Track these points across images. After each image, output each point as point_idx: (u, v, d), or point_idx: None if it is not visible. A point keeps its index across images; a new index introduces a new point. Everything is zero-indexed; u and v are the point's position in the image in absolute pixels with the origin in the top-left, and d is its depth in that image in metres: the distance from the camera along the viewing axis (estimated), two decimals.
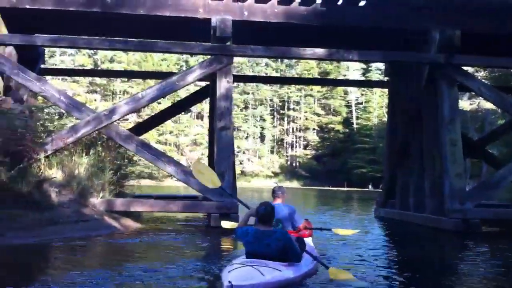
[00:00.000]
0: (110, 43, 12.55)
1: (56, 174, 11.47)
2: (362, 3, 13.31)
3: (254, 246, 5.68)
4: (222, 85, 12.41)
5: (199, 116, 78.00)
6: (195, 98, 17.48)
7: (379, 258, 8.16)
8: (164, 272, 6.44)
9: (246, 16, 12.86)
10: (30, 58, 14.36)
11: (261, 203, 5.96)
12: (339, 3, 13.11)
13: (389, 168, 16.25)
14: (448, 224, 11.99)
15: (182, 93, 48.63)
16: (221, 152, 12.23)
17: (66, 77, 69.81)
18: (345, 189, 60.75)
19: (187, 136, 74.94)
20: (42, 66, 16.19)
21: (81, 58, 70.32)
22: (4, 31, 12.44)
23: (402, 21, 12.99)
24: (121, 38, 12.49)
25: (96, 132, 12.41)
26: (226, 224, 8.19)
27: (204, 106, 76.83)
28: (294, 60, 79.61)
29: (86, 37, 12.47)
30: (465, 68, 13.52)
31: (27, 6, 12.30)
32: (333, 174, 68.58)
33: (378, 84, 28.55)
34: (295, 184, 70.30)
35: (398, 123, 15.68)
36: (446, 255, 9.42)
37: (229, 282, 4.94)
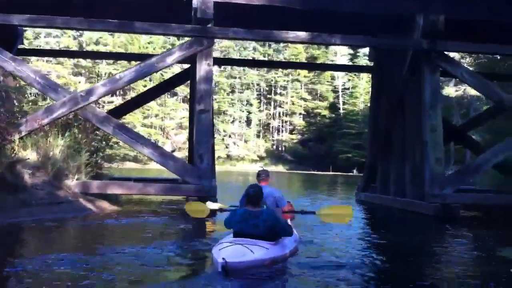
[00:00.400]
0: (89, 23, 12.25)
1: (30, 155, 11.24)
2: None
3: (242, 225, 5.86)
4: (202, 67, 12.20)
5: (185, 100, 77.38)
6: (177, 80, 17.19)
7: (354, 241, 8.09)
8: (139, 253, 6.32)
9: None
10: (8, 38, 14.06)
11: (250, 185, 6.17)
12: None
13: (371, 153, 16.20)
14: (427, 208, 11.97)
15: (168, 76, 48.24)
16: (200, 135, 12.06)
17: (51, 59, 69.33)
18: (330, 173, 60.89)
19: (173, 120, 74.51)
20: (21, 46, 15.89)
21: (66, 40, 69.36)
22: None
23: (386, 6, 12.82)
24: (100, 19, 12.15)
25: (73, 113, 12.20)
26: (212, 205, 8.12)
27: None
28: (282, 45, 79.31)
29: (64, 17, 12.12)
30: (452, 54, 13.41)
31: None
32: (318, 159, 68.62)
33: (363, 69, 28.40)
34: (280, 168, 70.31)
35: (381, 108, 15.59)
36: (423, 239, 9.35)
37: (223, 258, 5.12)
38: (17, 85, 13.21)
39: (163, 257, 6.20)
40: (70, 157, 11.70)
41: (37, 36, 68.47)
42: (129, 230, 9.03)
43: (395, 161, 14.48)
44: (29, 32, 68.35)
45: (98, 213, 10.71)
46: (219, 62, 27.03)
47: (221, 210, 7.78)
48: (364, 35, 13.13)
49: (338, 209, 7.87)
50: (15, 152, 10.89)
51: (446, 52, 12.84)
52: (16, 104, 12.81)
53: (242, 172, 51.90)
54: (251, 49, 78.49)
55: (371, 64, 17.69)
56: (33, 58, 66.37)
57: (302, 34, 12.50)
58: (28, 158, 10.79)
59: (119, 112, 15.82)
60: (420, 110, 12.70)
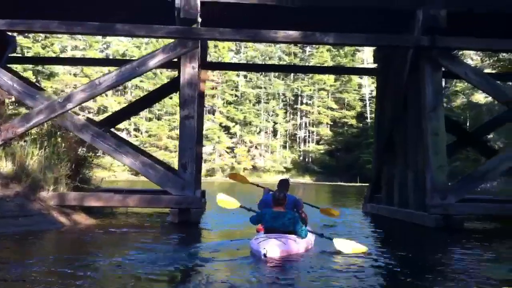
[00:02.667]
0: (67, 26, 11.75)
1: (5, 165, 10.74)
2: None
3: (272, 223, 7.40)
4: (187, 70, 11.56)
5: (211, 111, 77.30)
6: (171, 87, 16.51)
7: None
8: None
9: None
10: None
11: (276, 190, 8.04)
12: None
13: (376, 160, 15.23)
14: (428, 220, 10.99)
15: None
16: (184, 142, 11.39)
17: (78, 71, 70.15)
18: (358, 184, 59.45)
19: None
20: (13, 54, 15.55)
21: (92, 53, 70.01)
22: None
23: (383, 0, 11.99)
24: (79, 22, 11.64)
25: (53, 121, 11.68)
26: (223, 197, 9.19)
27: (216, 101, 76.34)
28: (307, 53, 78.60)
29: (43, 20, 11.67)
30: (467, 52, 12.43)
31: None
32: (345, 169, 67.17)
33: (368, 71, 27.02)
34: (307, 179, 69.14)
35: (385, 112, 14.65)
36: (422, 255, 8.39)
37: (264, 248, 6.65)
38: None
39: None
40: (48, 167, 11.15)
41: (64, 50, 69.33)
42: (100, 243, 8.40)
43: (399, 168, 13.52)
44: (56, 46, 69.43)
45: (71, 227, 10.10)
46: (212, 66, 26.12)
47: (249, 209, 8.61)
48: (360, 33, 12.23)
49: (355, 248, 7.81)
50: None
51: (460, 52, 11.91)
52: None
53: (268, 184, 50.81)
54: (277, 58, 77.88)
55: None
56: (60, 72, 67.46)
57: (293, 34, 11.74)
58: None
59: (114, 120, 15.30)
60: (421, 113, 11.77)
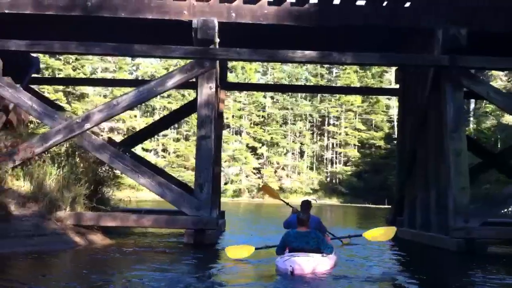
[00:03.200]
0: (86, 47, 11.89)
1: (23, 185, 10.84)
2: (360, 2, 12.26)
3: (297, 243, 7.71)
4: (204, 91, 11.56)
5: (238, 132, 77.50)
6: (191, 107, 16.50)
7: None
8: None
9: (233, 18, 12.06)
10: (20, 66, 14.01)
11: (299, 211, 8.73)
12: (335, 2, 12.11)
13: (399, 182, 14.92)
14: (450, 244, 10.65)
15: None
16: (200, 162, 11.34)
17: (107, 93, 71.37)
18: (385, 206, 58.51)
19: (225, 152, 74.37)
20: (36, 75, 15.82)
21: (122, 75, 71.14)
22: None
23: (401, 19, 11.84)
24: (97, 42, 11.79)
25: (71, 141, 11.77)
26: (232, 248, 9.22)
27: (243, 122, 76.54)
28: (334, 75, 78.50)
29: (62, 41, 11.85)
30: (496, 73, 12.17)
31: (6, 11, 11.90)
32: (373, 191, 66.26)
33: (390, 91, 26.68)
34: (334, 201, 68.48)
35: (407, 132, 14.38)
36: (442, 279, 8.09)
37: (290, 266, 6.96)
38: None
39: None
40: (65, 187, 11.20)
41: (94, 72, 70.62)
42: (114, 263, 8.36)
43: (421, 190, 13.19)
44: (87, 69, 70.85)
45: (86, 246, 10.09)
46: (232, 86, 26.18)
47: (267, 247, 9.17)
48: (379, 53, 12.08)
49: (383, 230, 9.71)
50: (4, 181, 10.50)
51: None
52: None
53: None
54: (303, 80, 77.99)
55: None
56: (90, 93, 68.66)
57: (310, 53, 11.66)
58: (11, 188, 10.33)
59: (132, 141, 15.39)
60: (442, 133, 11.50)
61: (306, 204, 9.38)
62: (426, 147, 12.86)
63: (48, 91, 60.59)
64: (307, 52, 11.67)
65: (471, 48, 11.33)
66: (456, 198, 10.82)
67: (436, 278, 7.71)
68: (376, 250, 11.20)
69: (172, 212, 12.82)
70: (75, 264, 8.40)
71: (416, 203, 13.44)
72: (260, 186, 12.81)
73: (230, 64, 78.57)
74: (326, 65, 78.87)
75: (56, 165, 11.37)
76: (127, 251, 9.77)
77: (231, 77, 72.29)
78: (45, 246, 9.43)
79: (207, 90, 11.54)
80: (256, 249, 9.04)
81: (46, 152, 11.63)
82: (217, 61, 11.91)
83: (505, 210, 16.83)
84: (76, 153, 12.14)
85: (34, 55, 15.51)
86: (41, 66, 63.19)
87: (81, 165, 11.99)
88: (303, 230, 7.85)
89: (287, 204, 11.30)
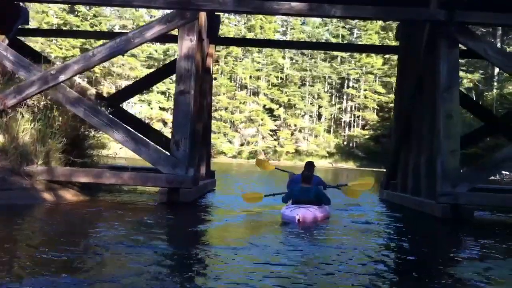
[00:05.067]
0: None
1: None
2: None
3: (300, 197, 9.04)
4: (184, 43, 10.96)
5: (255, 93, 76.73)
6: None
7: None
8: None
9: None
10: (8, 17, 13.56)
11: (304, 170, 9.83)
12: None
13: (394, 146, 14.28)
14: (436, 209, 10.09)
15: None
16: (177, 119, 10.84)
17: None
18: None
19: (242, 113, 73.87)
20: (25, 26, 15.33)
21: None
22: None
23: None
24: None
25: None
26: (247, 194, 10.92)
27: (260, 83, 75.65)
28: (355, 35, 76.77)
29: None
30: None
31: None
32: None
33: (391, 49, 25.37)
34: (351, 165, 67.87)
35: (404, 93, 13.67)
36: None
37: (297, 215, 8.20)
38: None
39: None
40: (41, 141, 10.83)
41: (112, 29, 70.10)
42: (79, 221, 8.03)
43: (413, 154, 12.57)
44: (104, 26, 70.35)
45: (55, 203, 9.73)
46: (223, 41, 24.88)
47: (273, 194, 10.31)
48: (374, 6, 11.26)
49: (362, 181, 11.13)
50: None
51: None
52: None
53: None
54: (324, 40, 76.38)
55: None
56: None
57: (298, 5, 10.93)
58: None
59: (120, 97, 14.95)
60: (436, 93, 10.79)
61: (310, 164, 10.54)
62: (420, 110, 12.18)
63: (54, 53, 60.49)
64: (294, 3, 10.95)
65: (471, 3, 10.50)
66: (445, 161, 10.18)
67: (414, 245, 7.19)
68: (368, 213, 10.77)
69: (154, 170, 12.41)
70: (34, 220, 8.07)
71: (408, 167, 12.85)
72: (255, 162, 12.53)
73: (248, 23, 77.36)
74: (348, 26, 77.30)
75: (31, 118, 10.98)
76: (98, 209, 9.40)
77: (250, 36, 71.16)
78: (11, 200, 9.14)
79: (187, 42, 10.95)
80: (264, 196, 10.30)
81: (23, 105, 11.25)
82: (199, 12, 11.28)
83: (497, 176, 16.09)
84: (55, 107, 11.72)
85: (22, 5, 15.01)
86: (59, 22, 63.11)
87: (60, 119, 11.58)
88: (307, 186, 9.21)
89: (284, 171, 12.18)
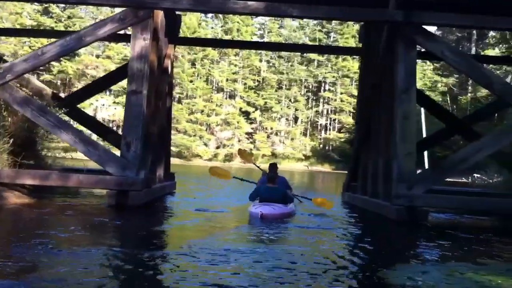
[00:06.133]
0: None
1: None
2: None
3: (266, 195, 9.84)
4: (137, 42, 10.65)
5: (232, 95, 76.50)
6: None
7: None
8: None
9: None
10: None
11: (269, 171, 11.19)
12: None
13: (355, 148, 14.15)
14: (391, 211, 9.93)
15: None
16: (129, 119, 10.50)
17: (100, 52, 70.33)
18: None
19: (218, 116, 73.55)
20: None
21: None
22: None
23: None
24: None
25: None
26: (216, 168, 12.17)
27: (237, 86, 75.41)
28: (332, 39, 76.94)
29: None
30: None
31: None
32: None
33: (353, 51, 25.35)
34: (326, 167, 67.99)
35: (364, 95, 13.53)
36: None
37: (260, 211, 9.01)
38: None
39: None
40: None
41: None
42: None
43: (372, 156, 12.43)
44: (79, 27, 69.51)
45: None
46: (184, 41, 24.40)
47: (242, 180, 12.01)
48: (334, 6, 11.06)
49: (324, 201, 11.45)
50: None
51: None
52: None
53: (286, 171, 49.82)
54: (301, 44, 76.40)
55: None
56: (81, 52, 67.28)
57: (254, 4, 10.68)
58: None
59: (79, 96, 14.60)
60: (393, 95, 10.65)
61: (274, 165, 11.72)
62: (379, 112, 12.05)
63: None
64: (250, 2, 10.70)
65: (430, 5, 10.39)
66: (400, 163, 10.03)
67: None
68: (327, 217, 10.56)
69: (89, 171, 11.96)
70: None
71: (368, 169, 12.72)
72: (237, 151, 12.62)
73: (226, 26, 77.08)
74: (324, 30, 77.52)
75: None
76: (41, 211, 9.04)
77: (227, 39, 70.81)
78: None
79: (140, 41, 10.65)
80: (233, 177, 11.55)
81: None
82: (155, 11, 11.00)
83: (469, 178, 16.08)
84: (3, 107, 11.33)
85: None
86: (33, 23, 62.10)
87: (9, 120, 11.19)
88: (272, 185, 10.14)
89: (259, 168, 13.29)
